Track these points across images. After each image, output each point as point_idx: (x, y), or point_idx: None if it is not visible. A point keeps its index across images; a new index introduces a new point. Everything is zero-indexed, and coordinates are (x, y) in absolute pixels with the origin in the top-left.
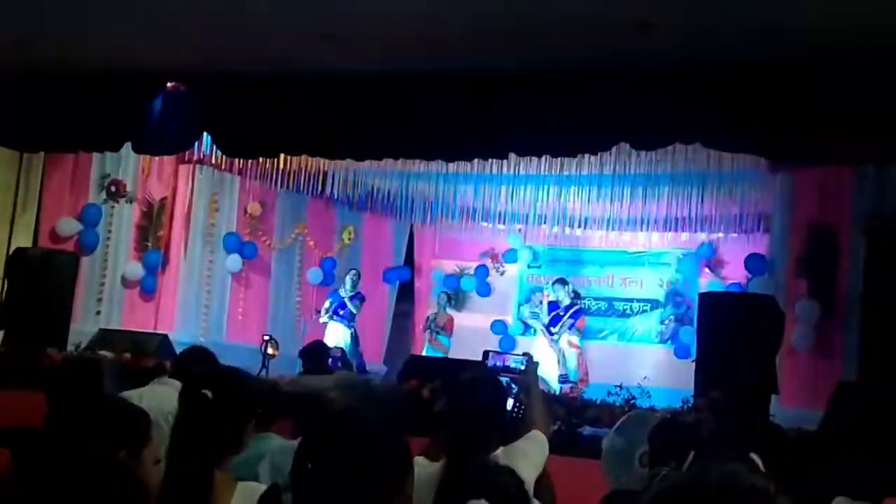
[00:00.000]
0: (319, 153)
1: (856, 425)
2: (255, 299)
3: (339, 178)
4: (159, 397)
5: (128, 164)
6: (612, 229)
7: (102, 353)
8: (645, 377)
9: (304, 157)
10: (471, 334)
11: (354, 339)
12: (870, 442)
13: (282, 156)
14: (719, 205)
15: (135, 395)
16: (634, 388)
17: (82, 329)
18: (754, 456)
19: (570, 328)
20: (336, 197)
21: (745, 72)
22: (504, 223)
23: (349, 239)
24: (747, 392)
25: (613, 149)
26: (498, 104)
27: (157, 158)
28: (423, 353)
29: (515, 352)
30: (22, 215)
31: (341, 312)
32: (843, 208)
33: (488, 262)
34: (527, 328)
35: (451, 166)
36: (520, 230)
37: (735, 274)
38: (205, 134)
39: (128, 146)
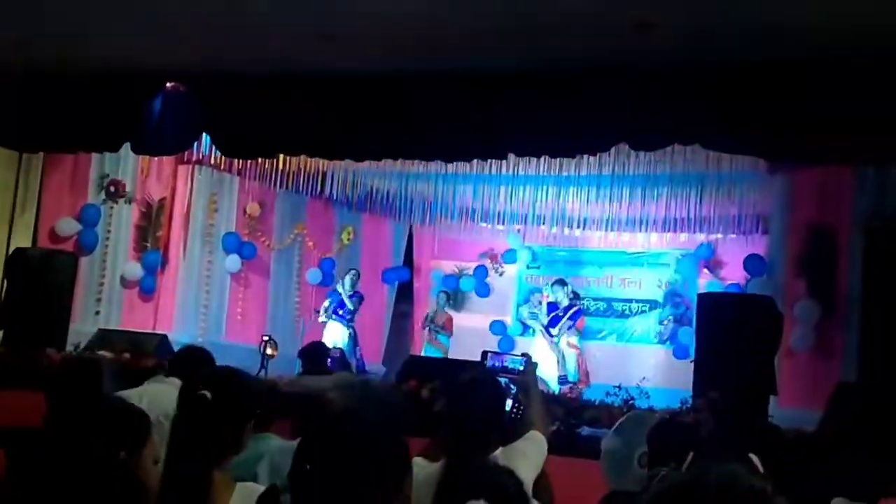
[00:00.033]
0: (318, 153)
1: (855, 426)
2: (254, 299)
3: (338, 178)
4: (160, 396)
5: (127, 164)
6: (611, 230)
7: (101, 353)
8: (644, 378)
9: (303, 157)
10: (470, 335)
11: (353, 338)
12: (869, 443)
13: (281, 156)
14: (718, 205)
15: (135, 394)
16: (633, 388)
17: (81, 329)
18: (753, 457)
19: (569, 329)
20: (335, 197)
21: (745, 72)
22: (503, 224)
23: (348, 239)
24: (746, 393)
25: (612, 149)
26: (497, 105)
27: (156, 159)
28: (423, 353)
29: (514, 352)
30: (21, 215)
31: (340, 312)
32: (841, 209)
33: (487, 263)
34: (526, 328)
35: (451, 167)
36: (519, 231)
37: (734, 275)
38: (204, 134)
39: (127, 146)
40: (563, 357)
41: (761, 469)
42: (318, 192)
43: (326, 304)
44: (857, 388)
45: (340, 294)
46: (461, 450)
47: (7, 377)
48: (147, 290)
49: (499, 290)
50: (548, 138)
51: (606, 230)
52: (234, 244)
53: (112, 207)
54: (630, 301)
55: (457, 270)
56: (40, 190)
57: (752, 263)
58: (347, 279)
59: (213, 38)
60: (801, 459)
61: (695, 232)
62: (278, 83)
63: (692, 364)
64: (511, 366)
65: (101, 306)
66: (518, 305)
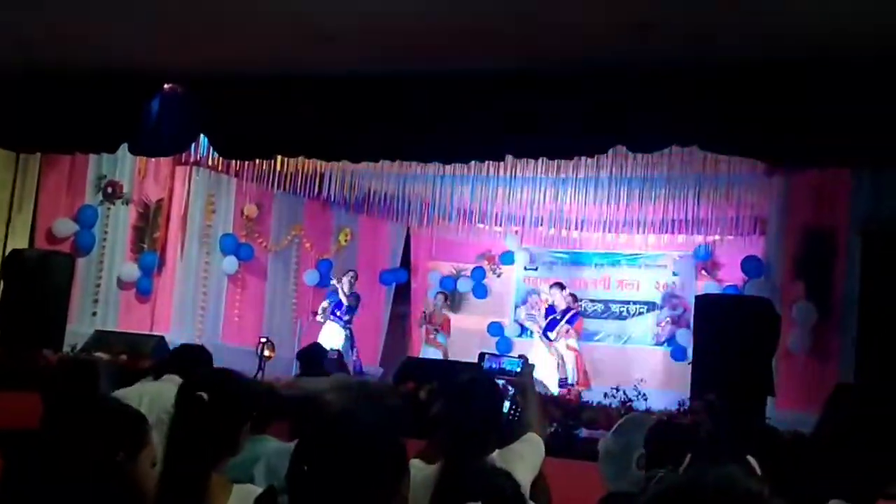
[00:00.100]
0: (316, 154)
1: (852, 428)
2: (252, 301)
3: (335, 179)
4: (161, 394)
5: (124, 165)
6: (609, 231)
7: (98, 354)
8: (641, 379)
9: (300, 158)
10: (467, 336)
11: (350, 340)
12: (866, 445)
13: (278, 157)
14: (716, 207)
15: (135, 393)
16: (631, 390)
17: (78, 330)
18: (751, 458)
19: (566, 333)
20: (333, 199)
21: (742, 75)
22: (501, 225)
23: (346, 241)
24: (743, 394)
25: (610, 151)
26: (495, 106)
27: (153, 160)
28: (421, 353)
29: (511, 354)
30: (18, 216)
31: (338, 313)
32: (839, 211)
33: (485, 264)
34: (523, 330)
35: (448, 168)
36: (516, 232)
37: (731, 276)
38: (201, 135)
39: (124, 147)
40: (563, 360)
41: (759, 471)
42: (315, 193)
43: (325, 304)
44: (855, 389)
45: (339, 295)
46: (458, 452)
47: (3, 378)
48: (144, 291)
49: (496, 291)
50: (546, 140)
51: (604, 232)
52: (231, 245)
53: (109, 208)
54: (628, 303)
55: (454, 272)
56: (37, 190)
57: (750, 265)
58: (345, 280)
59: (211, 40)
60: (799, 461)
61: (692, 234)
62: (275, 84)
63: (690, 366)
64: (508, 367)
65: (97, 307)
66: (516, 307)
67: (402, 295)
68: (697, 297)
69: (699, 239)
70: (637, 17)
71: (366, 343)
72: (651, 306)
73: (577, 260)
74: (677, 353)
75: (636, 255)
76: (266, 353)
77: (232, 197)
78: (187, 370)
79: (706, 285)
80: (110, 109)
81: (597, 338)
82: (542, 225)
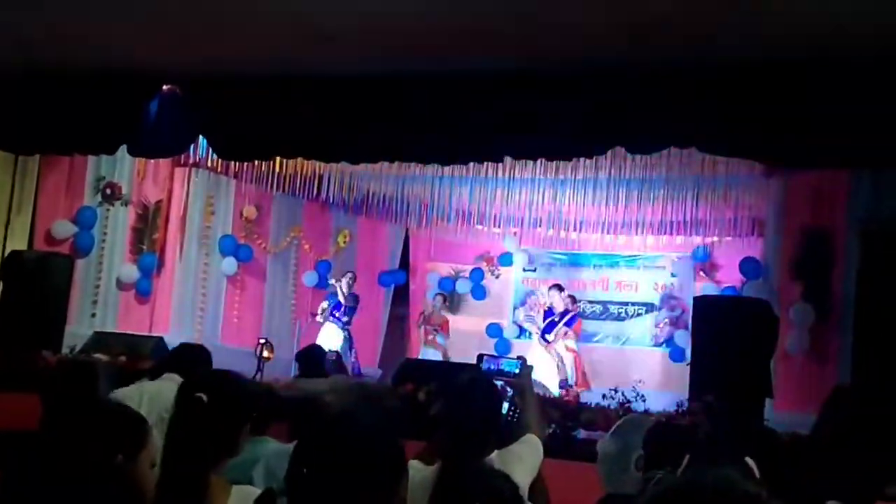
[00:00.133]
0: (314, 156)
1: (850, 430)
2: (251, 302)
3: (334, 181)
4: (161, 393)
5: (123, 166)
6: (608, 233)
7: (97, 355)
8: (640, 380)
9: (299, 160)
10: (466, 337)
11: (348, 341)
12: (864, 446)
13: (277, 159)
14: (714, 209)
15: (135, 392)
16: (629, 391)
17: (77, 332)
18: (749, 460)
19: (565, 335)
20: (332, 200)
21: (740, 76)
22: (499, 226)
23: (345, 242)
24: (742, 396)
25: (608, 152)
26: (493, 107)
27: (152, 161)
28: (420, 355)
29: (510, 355)
30: (17, 217)
31: (336, 314)
32: (837, 212)
33: (483, 266)
34: (522, 331)
35: (447, 169)
36: (515, 233)
37: (730, 277)
38: (200, 137)
39: (123, 149)
40: (563, 361)
41: (757, 473)
42: (314, 194)
43: (325, 305)
44: (853, 391)
45: (338, 297)
46: (457, 453)
47: (2, 379)
48: (143, 292)
49: (495, 292)
50: (544, 141)
51: (603, 233)
52: (230, 247)
53: (108, 210)
54: (626, 304)
55: (453, 273)
56: (36, 192)
57: (748, 266)
58: (343, 282)
59: (209, 41)
60: (797, 463)
61: (691, 235)
62: (274, 86)
63: (688, 367)
64: (507, 369)
65: (97, 309)
66: (514, 308)
67: (401, 296)
68: (696, 299)
69: (697, 240)
70: (636, 18)
71: (364, 344)
72: (649, 307)
73: (575, 261)
74: (676, 355)
75: (635, 256)
76: (265, 354)
77: (231, 198)
78: (187, 369)
79: (704, 286)
80: (109, 111)
81: (595, 339)
82: (540, 226)
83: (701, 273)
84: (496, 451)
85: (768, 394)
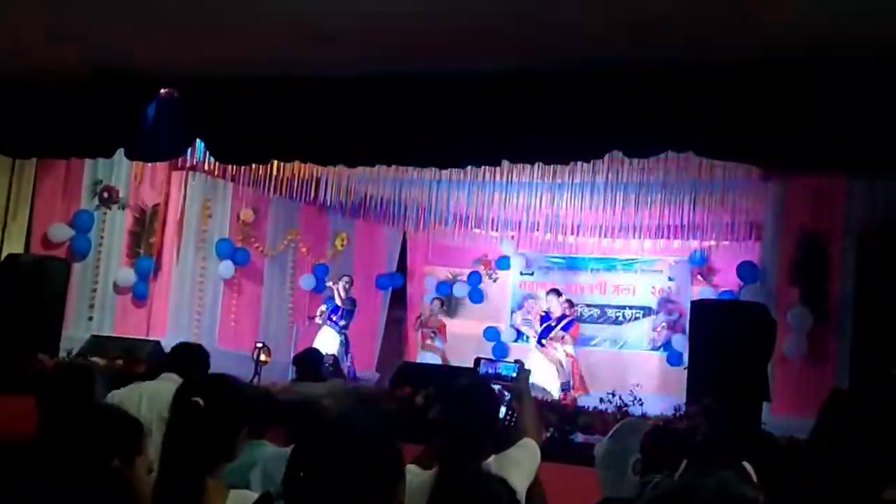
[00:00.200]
0: (312, 159)
1: (848, 433)
2: (248, 306)
3: (331, 184)
4: (160, 393)
5: (120, 170)
6: (605, 236)
7: (94, 359)
8: (637, 384)
9: (296, 163)
10: (463, 341)
11: (345, 345)
12: (862, 450)
13: (274, 162)
14: (711, 212)
15: (134, 392)
16: (626, 395)
17: (74, 335)
18: (747, 465)
19: (562, 339)
20: (329, 203)
21: (738, 79)
22: (497, 230)
23: (342, 245)
24: (739, 400)
25: (606, 156)
26: (490, 110)
27: (149, 165)
28: (418, 357)
29: (507, 359)
30: (14, 221)
31: (334, 318)
32: (834, 216)
33: (481, 269)
34: (519, 335)
35: (444, 173)
36: (512, 237)
37: (727, 281)
38: (197, 140)
39: (120, 152)
40: (561, 364)
41: (754, 477)
42: (311, 198)
43: (323, 308)
44: (850, 395)
45: (335, 301)
46: (455, 457)
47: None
48: (140, 296)
49: (492, 296)
50: (541, 144)
51: (600, 237)
52: (227, 250)
53: (105, 213)
54: (624, 308)
55: (451, 276)
56: (33, 195)
57: (746, 270)
58: (341, 285)
59: (206, 45)
60: (795, 467)
61: (688, 239)
62: (271, 88)
63: (686, 371)
64: (504, 373)
65: (93, 312)
66: (512, 312)
67: (399, 300)
68: (693, 303)
69: (695, 244)
70: (631, 24)
71: (362, 347)
72: (647, 311)
73: (573, 265)
74: (673, 358)
75: (632, 260)
76: (262, 357)
77: (228, 202)
78: (185, 369)
79: (702, 290)
80: (106, 114)
81: (593, 343)
82: (538, 230)
83: (698, 277)
84: (493, 456)
85: (766, 397)
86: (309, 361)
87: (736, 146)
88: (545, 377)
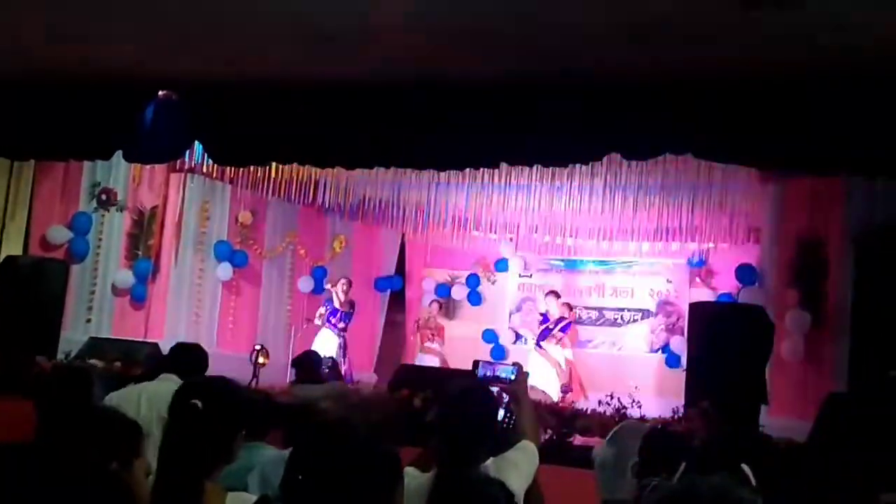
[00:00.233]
0: (310, 161)
1: (845, 436)
2: (246, 308)
3: (330, 186)
4: (159, 393)
5: (118, 172)
6: (604, 239)
7: (93, 361)
8: (636, 387)
9: (295, 165)
10: (462, 343)
11: (343, 347)
12: (858, 454)
13: (273, 164)
14: (710, 215)
15: (133, 392)
16: (625, 397)
17: (72, 337)
18: (745, 467)
19: (559, 341)
20: (327, 205)
21: (737, 82)
22: (495, 232)
23: (340, 248)
24: (737, 402)
25: (604, 158)
26: (489, 113)
27: (148, 167)
28: (416, 360)
29: (506, 361)
30: (12, 223)
31: (332, 320)
32: (833, 218)
33: (479, 271)
34: (518, 337)
35: (443, 175)
36: (511, 239)
37: (725, 284)
38: (196, 142)
39: (119, 154)
40: (560, 367)
41: (752, 480)
42: (310, 200)
43: (321, 310)
44: (847, 398)
45: (334, 303)
46: (453, 460)
47: None
48: (138, 298)
49: (491, 298)
50: (540, 147)
51: (599, 239)
52: (225, 252)
53: (103, 215)
54: (622, 310)
55: (449, 279)
56: (31, 197)
57: (744, 273)
58: (339, 287)
59: (205, 47)
60: (793, 470)
61: (687, 241)
62: (271, 90)
63: (684, 373)
64: (503, 375)
65: (92, 314)
66: (510, 314)
67: (397, 302)
68: (691, 305)
69: (693, 247)
70: (629, 27)
71: (360, 350)
72: (645, 314)
73: (571, 267)
74: (671, 361)
75: (630, 262)
76: (260, 360)
77: (226, 204)
78: (184, 370)
79: (700, 293)
80: (105, 116)
81: (591, 345)
82: (536, 232)
83: (697, 279)
84: (492, 458)
85: (764, 400)
86: (308, 364)
87: (735, 148)
88: (544, 379)
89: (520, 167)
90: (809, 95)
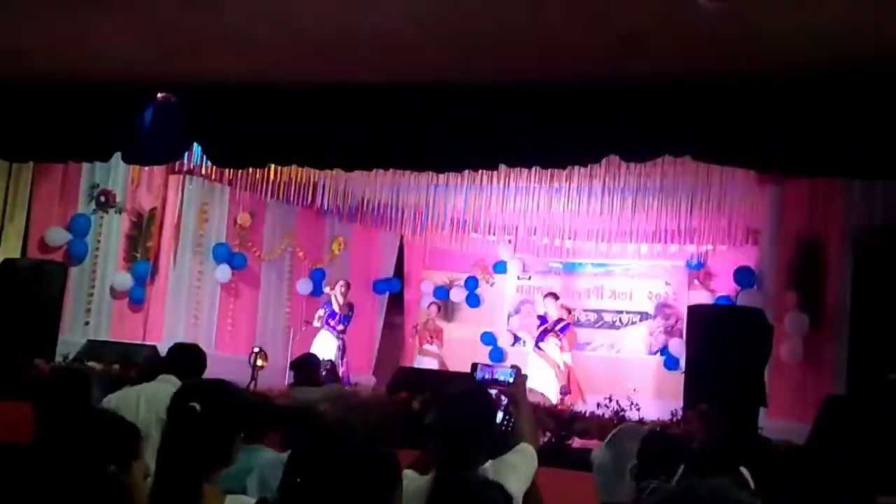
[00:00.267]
0: (309, 163)
1: (843, 438)
2: (245, 310)
3: (329, 188)
4: (159, 394)
5: (117, 174)
6: (602, 241)
7: (91, 364)
8: (634, 389)
9: (293, 167)
10: (460, 345)
11: (341, 350)
12: (857, 455)
13: (272, 166)
14: (708, 217)
15: (132, 393)
16: (623, 399)
17: (70, 340)
18: (744, 470)
19: (558, 340)
20: (326, 208)
21: (735, 84)
22: (494, 234)
23: (339, 250)
24: (736, 404)
25: (603, 160)
26: (488, 115)
27: (146, 169)
28: (415, 362)
29: (504, 364)
30: (11, 225)
31: (331, 322)
32: (831, 220)
33: (478, 274)
34: (516, 339)
35: (442, 177)
36: (510, 241)
37: (724, 286)
38: (195, 144)
39: (117, 156)
40: (560, 368)
41: (751, 482)
42: (308, 202)
43: (320, 312)
44: (846, 400)
45: (332, 305)
46: (451, 462)
47: None
48: (137, 300)
49: (490, 300)
50: (538, 149)
51: (597, 241)
52: (224, 254)
53: (102, 217)
54: (621, 312)
55: (448, 281)
56: (30, 199)
57: (743, 275)
58: (338, 289)
59: (205, 47)
60: (791, 472)
61: (685, 243)
62: (269, 92)
63: (682, 376)
64: (501, 378)
65: (90, 317)
66: (509, 316)
67: (396, 304)
68: (690, 307)
69: (692, 249)
70: (628, 29)
71: (359, 352)
72: (644, 316)
73: (570, 269)
74: (670, 363)
75: (629, 264)
76: (259, 362)
77: (225, 206)
78: (182, 371)
79: (699, 295)
80: (103, 118)
81: (590, 347)
82: (535, 234)
83: (695, 282)
84: (490, 461)
85: (762, 402)
86: (306, 366)
87: (733, 150)
88: (543, 381)
89: (518, 169)
90: (808, 98)
